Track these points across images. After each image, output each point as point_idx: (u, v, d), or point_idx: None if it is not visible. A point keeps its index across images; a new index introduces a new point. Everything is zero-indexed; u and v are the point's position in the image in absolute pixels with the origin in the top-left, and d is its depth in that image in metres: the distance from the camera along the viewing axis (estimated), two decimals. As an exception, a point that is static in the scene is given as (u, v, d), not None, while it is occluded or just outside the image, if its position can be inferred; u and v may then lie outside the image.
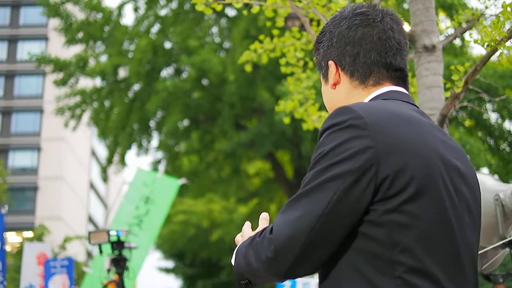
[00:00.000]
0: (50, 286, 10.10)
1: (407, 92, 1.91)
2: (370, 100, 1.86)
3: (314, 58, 2.06)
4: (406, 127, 1.70)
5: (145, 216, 9.60)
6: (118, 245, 6.89)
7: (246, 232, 1.92)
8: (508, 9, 3.75)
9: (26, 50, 26.31)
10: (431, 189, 1.66)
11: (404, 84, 1.92)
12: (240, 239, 1.93)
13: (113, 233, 6.89)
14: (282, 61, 5.85)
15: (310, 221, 1.62)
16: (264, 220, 1.93)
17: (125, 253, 6.91)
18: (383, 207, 1.62)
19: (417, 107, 1.88)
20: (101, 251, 6.89)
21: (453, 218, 1.69)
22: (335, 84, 1.92)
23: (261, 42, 5.74)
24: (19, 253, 20.47)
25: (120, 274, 6.81)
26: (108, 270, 6.92)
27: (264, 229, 1.74)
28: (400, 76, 1.90)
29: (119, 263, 6.84)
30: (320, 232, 1.62)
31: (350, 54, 1.88)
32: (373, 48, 1.86)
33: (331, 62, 1.92)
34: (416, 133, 1.70)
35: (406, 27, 4.86)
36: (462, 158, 1.81)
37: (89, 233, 6.96)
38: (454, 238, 1.69)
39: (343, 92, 1.92)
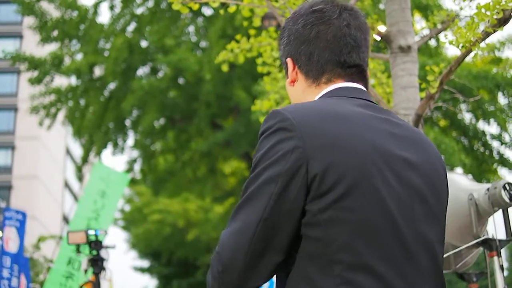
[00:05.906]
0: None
1: (359, 86, 1.87)
2: (318, 98, 1.85)
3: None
4: (337, 123, 1.67)
5: (101, 210, 9.61)
6: (96, 245, 6.80)
7: None
8: (482, 10, 3.79)
9: (0, 48, 26.03)
10: (364, 182, 1.62)
11: (361, 79, 1.89)
12: None
13: (91, 232, 6.82)
14: (259, 60, 5.86)
15: (249, 230, 1.61)
16: None
17: (103, 253, 6.82)
18: (317, 206, 1.60)
19: (369, 100, 1.85)
20: (78, 251, 6.82)
21: (395, 210, 1.65)
22: (293, 82, 1.93)
23: (237, 41, 5.74)
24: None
25: (97, 275, 6.73)
26: (85, 271, 6.84)
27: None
28: (355, 72, 1.88)
29: (97, 263, 6.75)
30: (261, 240, 1.61)
31: (305, 53, 1.88)
32: (327, 47, 1.85)
33: (289, 60, 1.93)
34: (348, 128, 1.67)
35: (382, 28, 4.89)
36: (413, 148, 1.78)
37: (68, 232, 6.89)
38: (399, 229, 1.64)
39: (299, 90, 1.93)
